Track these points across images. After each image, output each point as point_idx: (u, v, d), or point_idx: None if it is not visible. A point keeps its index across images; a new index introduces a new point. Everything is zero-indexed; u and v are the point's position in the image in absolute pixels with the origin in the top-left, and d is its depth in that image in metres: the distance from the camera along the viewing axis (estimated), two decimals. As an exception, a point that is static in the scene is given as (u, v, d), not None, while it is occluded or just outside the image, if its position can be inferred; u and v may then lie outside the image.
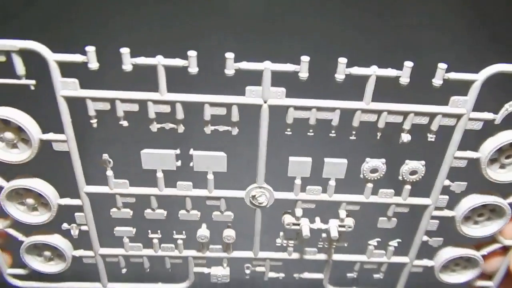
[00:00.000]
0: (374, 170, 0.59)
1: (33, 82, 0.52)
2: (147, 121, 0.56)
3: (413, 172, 0.59)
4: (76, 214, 0.64)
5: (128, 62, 0.50)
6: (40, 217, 0.63)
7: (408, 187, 0.61)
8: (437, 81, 0.51)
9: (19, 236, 0.66)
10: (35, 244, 0.66)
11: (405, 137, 0.55)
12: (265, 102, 0.53)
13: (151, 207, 0.63)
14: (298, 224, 0.64)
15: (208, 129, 0.56)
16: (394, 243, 0.67)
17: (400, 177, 0.60)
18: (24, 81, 0.52)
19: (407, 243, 0.68)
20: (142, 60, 0.50)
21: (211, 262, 0.70)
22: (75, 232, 0.65)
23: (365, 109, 0.54)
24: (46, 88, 0.53)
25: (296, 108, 0.54)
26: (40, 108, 0.56)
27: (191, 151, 0.58)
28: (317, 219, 0.65)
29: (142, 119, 0.55)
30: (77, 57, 0.50)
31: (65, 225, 0.65)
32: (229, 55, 0.50)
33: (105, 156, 0.58)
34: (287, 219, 0.64)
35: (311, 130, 0.56)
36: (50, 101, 0.54)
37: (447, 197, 0.62)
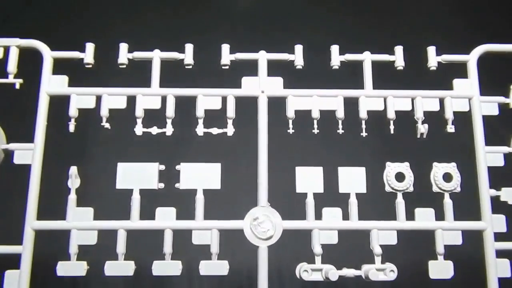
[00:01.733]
0: (400, 177, 0.49)
1: (20, 80, 0.50)
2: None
3: (448, 177, 0.49)
4: (7, 272, 0.46)
5: (124, 56, 0.51)
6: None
7: (448, 201, 0.49)
8: (432, 64, 0.52)
9: None
10: None
11: (422, 128, 0.50)
12: (262, 92, 0.51)
13: (117, 250, 0.46)
14: (320, 270, 0.46)
15: (201, 130, 0.50)
16: None
17: (434, 187, 0.49)
18: (12, 80, 0.50)
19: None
20: (139, 54, 0.51)
21: None
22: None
23: (368, 95, 0.51)
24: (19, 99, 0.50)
25: (296, 96, 0.50)
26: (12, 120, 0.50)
27: (178, 166, 0.49)
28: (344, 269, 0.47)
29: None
30: (74, 54, 0.51)
31: None
32: (225, 46, 0.52)
33: (73, 169, 0.48)
34: (304, 266, 0.47)
35: (315, 127, 0.50)
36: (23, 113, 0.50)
37: (503, 216, 0.49)
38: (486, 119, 0.51)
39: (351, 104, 0.51)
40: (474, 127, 0.50)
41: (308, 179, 0.49)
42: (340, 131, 0.50)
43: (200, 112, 0.50)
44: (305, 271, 0.46)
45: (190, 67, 0.51)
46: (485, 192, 0.49)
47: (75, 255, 0.46)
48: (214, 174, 0.48)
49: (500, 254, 0.48)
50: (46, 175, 0.48)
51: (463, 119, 0.51)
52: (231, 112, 0.50)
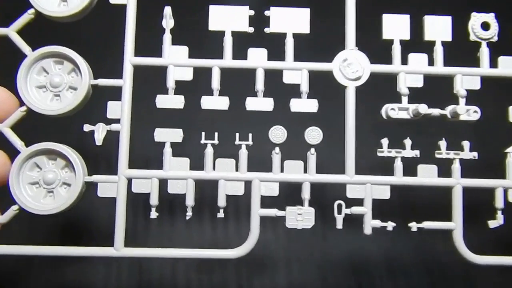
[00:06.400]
0: (486, 26, 0.50)
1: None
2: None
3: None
4: (109, 102, 0.48)
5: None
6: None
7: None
8: None
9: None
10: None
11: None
12: None
13: (212, 86, 0.48)
14: (406, 109, 0.48)
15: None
16: None
17: None
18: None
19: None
20: None
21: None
22: (103, 132, 0.47)
23: None
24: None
25: None
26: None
27: (267, 11, 0.50)
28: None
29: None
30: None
31: (87, 126, 0.48)
32: None
33: (167, 9, 0.49)
34: (390, 105, 0.49)
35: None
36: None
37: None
38: None
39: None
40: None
41: (395, 26, 0.50)
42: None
43: (289, -37, 0.50)
44: (392, 109, 0.48)
45: None
46: None
47: (173, 90, 0.48)
48: (303, 19, 0.50)
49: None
50: (140, 15, 0.49)
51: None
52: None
